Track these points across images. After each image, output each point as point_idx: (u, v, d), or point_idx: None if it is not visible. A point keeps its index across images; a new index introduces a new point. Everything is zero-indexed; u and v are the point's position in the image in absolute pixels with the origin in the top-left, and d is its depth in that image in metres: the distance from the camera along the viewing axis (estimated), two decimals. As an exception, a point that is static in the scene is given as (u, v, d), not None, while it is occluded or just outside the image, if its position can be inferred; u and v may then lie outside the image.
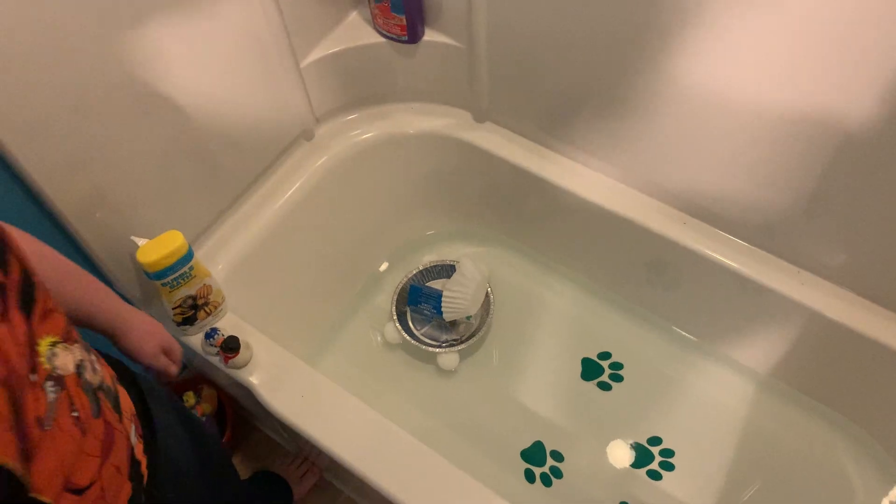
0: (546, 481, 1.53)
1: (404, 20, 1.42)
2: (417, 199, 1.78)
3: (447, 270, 1.80)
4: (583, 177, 1.53)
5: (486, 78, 1.49)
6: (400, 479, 1.13)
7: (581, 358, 1.69)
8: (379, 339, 1.74)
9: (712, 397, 1.63)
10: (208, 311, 1.28)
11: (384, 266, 1.85)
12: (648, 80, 1.26)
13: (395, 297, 1.75)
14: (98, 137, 1.07)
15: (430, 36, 1.48)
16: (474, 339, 1.68)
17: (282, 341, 1.32)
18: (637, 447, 1.57)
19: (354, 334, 1.74)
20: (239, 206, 1.46)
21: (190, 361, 1.61)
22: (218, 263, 1.39)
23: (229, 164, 1.37)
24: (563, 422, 1.60)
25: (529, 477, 1.54)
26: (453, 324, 1.73)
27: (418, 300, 1.72)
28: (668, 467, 1.54)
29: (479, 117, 1.61)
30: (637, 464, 1.55)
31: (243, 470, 1.65)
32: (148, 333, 0.95)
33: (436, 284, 1.78)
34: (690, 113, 1.27)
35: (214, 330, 1.26)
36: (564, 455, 1.56)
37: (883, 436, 1.50)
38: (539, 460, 1.56)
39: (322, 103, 1.54)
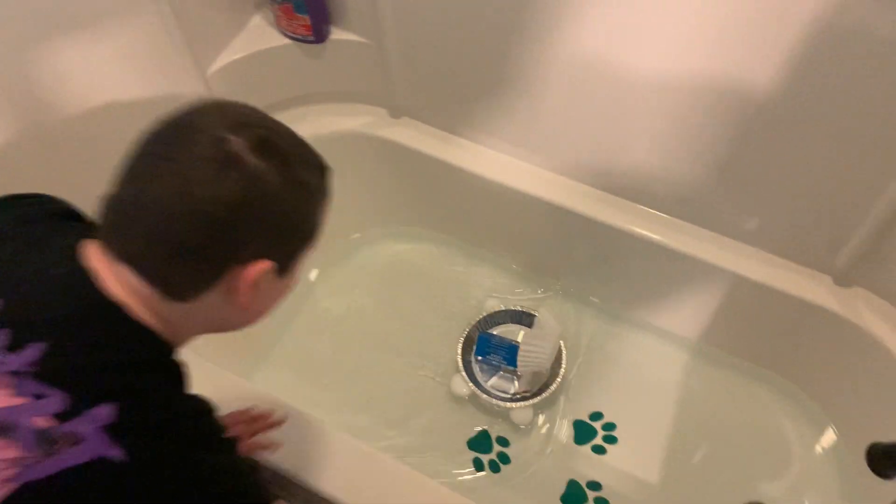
0: (494, 468, 1.54)
1: (308, 20, 1.40)
2: (340, 202, 1.75)
3: (511, 316, 1.73)
4: (502, 164, 1.54)
5: (398, 72, 1.49)
6: (344, 481, 1.11)
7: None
8: (314, 342, 1.72)
9: (648, 368, 1.66)
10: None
11: (314, 274, 1.82)
12: (551, 60, 1.28)
13: (461, 348, 1.66)
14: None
15: (336, 34, 1.46)
16: (546, 392, 1.58)
17: (215, 359, 1.28)
18: (579, 424, 1.59)
19: (290, 345, 1.71)
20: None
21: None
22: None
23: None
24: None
25: (478, 465, 1.54)
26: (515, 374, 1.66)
27: (487, 350, 1.66)
28: (612, 440, 1.57)
29: (396, 113, 1.60)
30: (581, 440, 1.57)
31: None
32: None
33: (497, 331, 1.72)
34: (594, 90, 1.30)
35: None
36: (510, 440, 1.57)
37: (811, 388, 1.56)
38: (486, 448, 1.57)
39: (232, 111, 1.51)
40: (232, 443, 0.71)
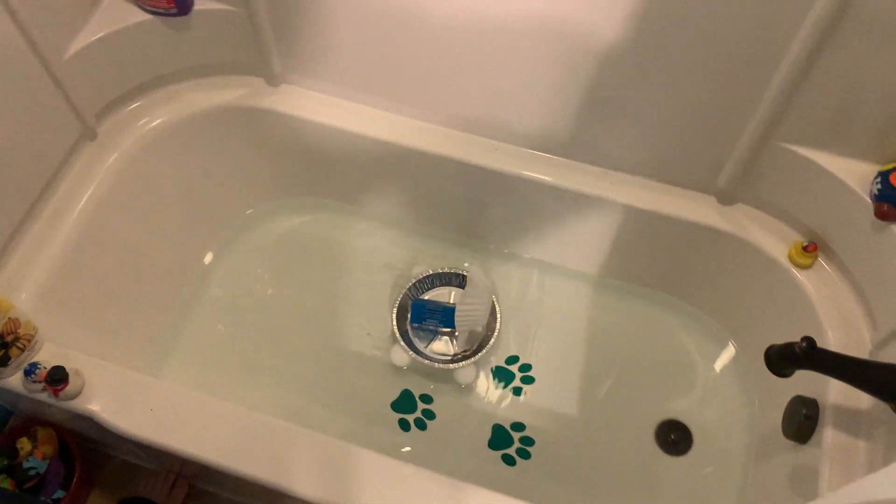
0: (421, 425, 1.56)
1: (168, -8, 1.32)
2: (228, 180, 1.70)
3: (442, 279, 1.71)
4: (388, 122, 1.52)
5: (271, 38, 1.43)
6: (274, 464, 1.10)
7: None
8: (221, 328, 1.66)
9: (554, 307, 1.71)
10: (21, 346, 1.15)
11: (209, 258, 1.75)
12: (420, 13, 1.27)
13: (395, 316, 1.64)
14: None
15: (201, 4, 1.39)
16: (487, 347, 1.60)
17: (116, 359, 1.23)
18: (497, 370, 1.63)
19: (196, 334, 1.65)
20: (28, 228, 1.31)
21: (15, 406, 1.46)
22: (20, 293, 1.25)
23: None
24: (423, 365, 1.61)
25: (404, 426, 1.56)
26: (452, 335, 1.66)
27: (422, 316, 1.64)
28: (529, 381, 1.62)
29: (273, 81, 1.54)
30: (500, 385, 1.61)
31: (106, 498, 1.54)
32: None
33: (431, 296, 1.70)
34: (464, 41, 1.30)
35: (34, 365, 1.14)
36: (433, 396, 1.59)
37: (707, 305, 1.66)
38: (410, 408, 1.58)
39: (97, 97, 1.41)
40: None
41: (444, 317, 1.63)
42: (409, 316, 1.65)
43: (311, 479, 1.09)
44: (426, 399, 1.59)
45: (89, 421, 1.16)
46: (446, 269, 1.70)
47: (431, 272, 1.70)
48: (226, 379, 1.60)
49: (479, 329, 1.61)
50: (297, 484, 1.08)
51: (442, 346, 1.65)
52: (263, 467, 1.09)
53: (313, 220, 1.82)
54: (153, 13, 1.37)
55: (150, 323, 1.59)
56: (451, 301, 1.69)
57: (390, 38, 1.35)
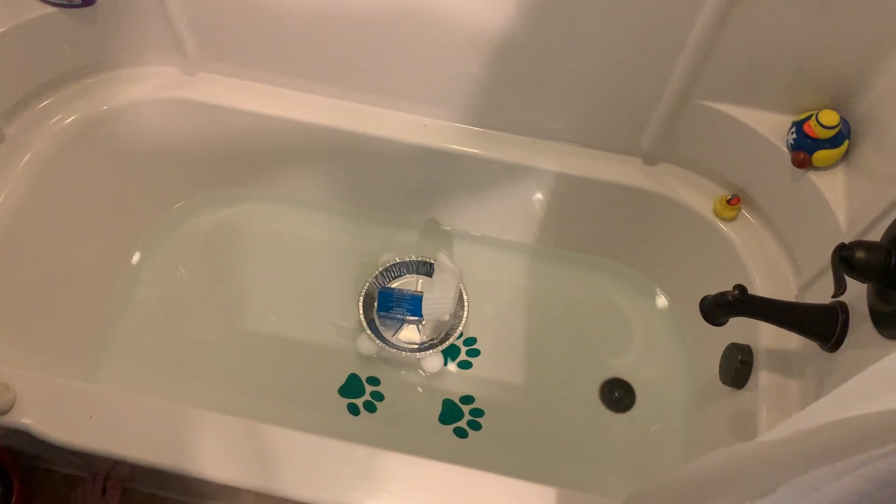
0: (370, 408, 1.55)
1: (70, -18, 1.26)
2: (151, 175, 1.64)
3: (409, 267, 1.69)
4: (313, 105, 1.50)
5: (184, 25, 1.38)
6: (222, 460, 1.08)
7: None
8: (156, 327, 1.62)
9: (494, 279, 1.73)
10: (-57, 364, 1.10)
11: (136, 257, 1.69)
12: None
13: (361, 305, 1.61)
14: None
15: (106, -6, 1.33)
16: (455, 335, 1.59)
17: (49, 369, 1.18)
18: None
19: (131, 336, 1.60)
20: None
21: (-59, 428, 1.39)
22: (-64, 309, 1.19)
23: None
24: (390, 354, 1.61)
25: (353, 410, 1.55)
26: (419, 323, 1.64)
27: (389, 305, 1.61)
28: (475, 353, 1.63)
29: (189, 70, 1.50)
30: (447, 360, 1.61)
31: (49, 518, 1.49)
32: None
33: (397, 284, 1.69)
34: (377, 18, 1.29)
35: (-41, 382, 1.09)
36: (380, 378, 1.59)
37: (640, 265, 1.70)
38: (357, 391, 1.57)
39: (2, 97, 1.33)
40: None
41: (412, 305, 1.62)
42: (375, 305, 1.64)
43: (241, 468, 1.08)
44: (373, 381, 1.58)
45: (24, 435, 1.11)
46: (414, 258, 1.69)
47: (399, 260, 1.69)
48: (167, 379, 1.56)
49: (447, 318, 1.60)
50: (234, 475, 1.07)
51: (410, 334, 1.64)
52: (210, 464, 1.07)
53: (244, 210, 1.78)
54: (56, 5, 1.31)
55: (81, 329, 1.53)
56: (419, 289, 1.68)
57: (308, 18, 1.33)
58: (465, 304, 1.63)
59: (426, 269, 1.70)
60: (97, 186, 1.53)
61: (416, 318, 1.61)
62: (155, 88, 1.48)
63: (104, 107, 1.45)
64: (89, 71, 1.46)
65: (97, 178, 1.52)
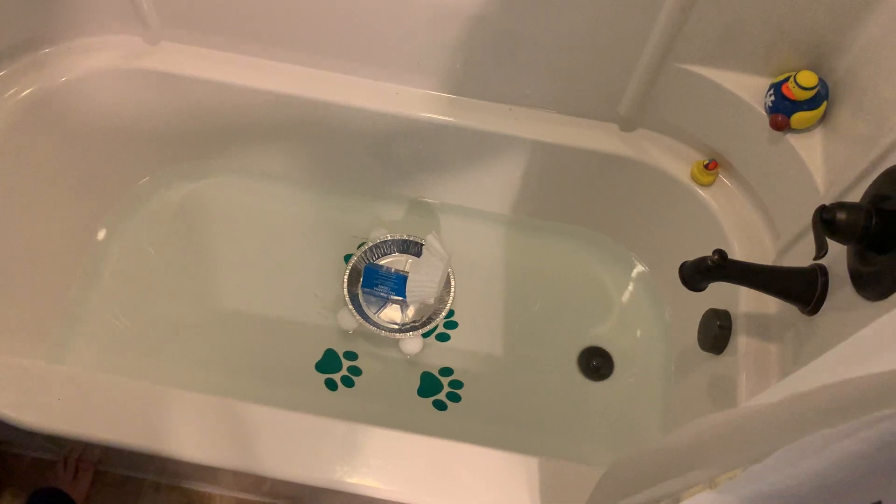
0: (348, 383, 1.53)
1: (20, -55, 1.20)
2: (115, 149, 1.58)
3: (398, 246, 1.66)
4: (279, 73, 1.46)
5: (143, -9, 1.33)
6: (197, 440, 1.05)
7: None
8: (124, 305, 1.57)
9: (471, 251, 1.71)
10: None
11: (102, 234, 1.64)
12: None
13: (346, 279, 1.57)
14: None
15: (59, -42, 1.27)
16: (437, 320, 1.55)
17: (14, 353, 1.14)
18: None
19: (98, 315, 1.55)
20: None
21: None
22: None
23: None
24: (369, 331, 1.58)
25: (331, 385, 1.53)
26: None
27: (374, 282, 1.56)
28: (453, 326, 1.61)
29: (151, 39, 1.44)
30: (424, 334, 1.60)
31: (20, 501, 1.45)
32: None
33: (386, 262, 1.64)
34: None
35: (-82, 367, 1.05)
36: (357, 352, 1.57)
37: (616, 232, 1.69)
38: (335, 367, 1.55)
39: (-47, 69, 1.28)
40: None
41: (396, 285, 1.59)
42: (360, 280, 1.61)
43: (217, 448, 1.06)
44: (350, 356, 1.56)
45: (-10, 420, 1.08)
46: (405, 236, 1.66)
47: (390, 237, 1.65)
48: (137, 358, 1.52)
49: (431, 302, 1.57)
50: (210, 455, 1.05)
51: (393, 313, 1.61)
52: (182, 444, 1.05)
53: (213, 184, 1.73)
54: (5, -30, 1.24)
55: (46, 310, 1.49)
56: (406, 269, 1.64)
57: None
58: (452, 289, 1.61)
59: (416, 249, 1.66)
60: (57, 163, 1.47)
61: (400, 297, 1.59)
62: (116, 59, 1.43)
63: (62, 79, 1.40)
64: (44, 41, 1.39)
65: (57, 154, 1.46)
